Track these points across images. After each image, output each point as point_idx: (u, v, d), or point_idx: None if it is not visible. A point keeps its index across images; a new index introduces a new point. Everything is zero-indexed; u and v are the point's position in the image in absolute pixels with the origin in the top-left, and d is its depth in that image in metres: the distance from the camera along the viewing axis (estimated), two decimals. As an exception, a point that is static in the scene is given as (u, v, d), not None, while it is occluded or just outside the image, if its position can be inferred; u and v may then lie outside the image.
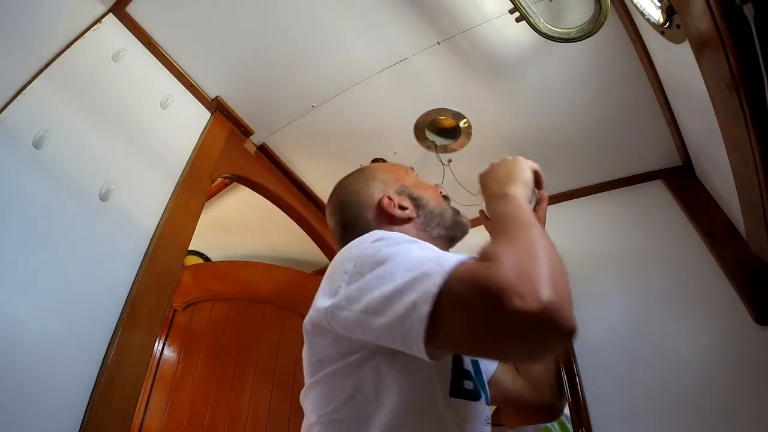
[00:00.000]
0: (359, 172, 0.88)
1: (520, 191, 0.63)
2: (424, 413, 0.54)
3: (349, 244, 0.63)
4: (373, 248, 0.57)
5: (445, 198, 0.86)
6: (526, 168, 0.69)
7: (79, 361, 0.84)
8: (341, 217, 0.83)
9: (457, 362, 0.62)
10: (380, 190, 0.81)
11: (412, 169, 0.89)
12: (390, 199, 0.78)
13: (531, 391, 0.88)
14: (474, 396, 0.62)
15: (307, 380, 0.62)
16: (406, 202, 0.79)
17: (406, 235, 0.61)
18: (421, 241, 0.59)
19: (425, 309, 0.43)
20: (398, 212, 0.77)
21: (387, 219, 0.77)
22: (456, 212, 0.83)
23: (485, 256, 0.45)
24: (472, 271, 0.44)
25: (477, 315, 0.42)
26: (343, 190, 0.86)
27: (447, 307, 0.43)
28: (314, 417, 0.57)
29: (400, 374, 0.54)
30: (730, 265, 1.21)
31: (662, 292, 1.31)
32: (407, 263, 0.50)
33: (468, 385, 0.61)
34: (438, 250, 0.54)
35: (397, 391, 0.54)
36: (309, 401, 0.60)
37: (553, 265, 0.44)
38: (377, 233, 0.61)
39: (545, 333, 0.40)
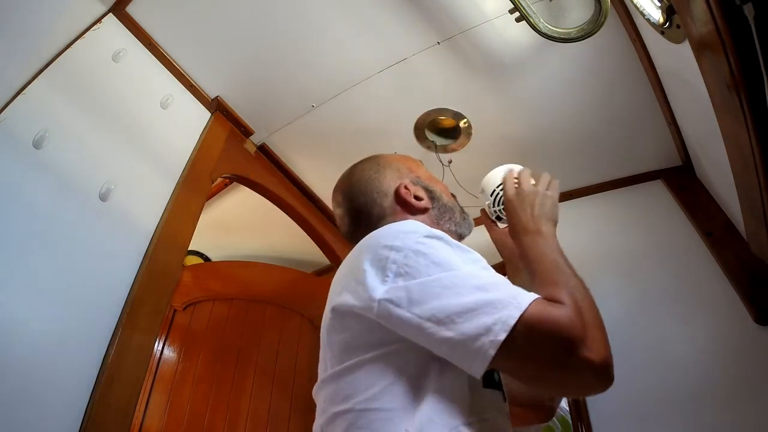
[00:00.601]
0: (372, 159, 0.86)
1: (553, 231, 0.67)
2: (462, 403, 0.54)
3: (385, 228, 0.62)
4: (427, 246, 0.57)
5: (453, 196, 0.86)
6: (557, 205, 0.73)
7: (79, 361, 0.84)
8: (353, 204, 0.80)
9: None
10: (396, 178, 0.80)
11: (422, 163, 0.88)
12: (407, 188, 0.77)
13: (526, 390, 0.88)
14: (501, 387, 0.63)
15: (332, 365, 0.59)
16: (422, 193, 0.78)
17: (452, 239, 0.61)
18: (471, 249, 0.60)
19: (501, 336, 0.47)
20: (415, 202, 0.76)
21: (404, 207, 0.76)
22: (462, 210, 0.84)
23: (558, 301, 0.51)
24: (548, 314, 0.49)
25: (546, 355, 0.48)
26: (356, 175, 0.83)
27: (520, 340, 0.47)
28: (346, 405, 0.54)
29: (442, 365, 0.54)
30: (730, 265, 1.21)
31: (662, 292, 1.31)
32: (474, 280, 0.53)
33: (496, 376, 0.63)
34: (498, 274, 0.56)
35: (439, 382, 0.53)
36: (338, 387, 0.57)
37: (602, 319, 0.52)
38: (424, 228, 0.61)
39: (597, 381, 0.48)
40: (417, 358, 0.54)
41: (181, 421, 1.68)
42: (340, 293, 0.60)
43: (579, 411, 1.22)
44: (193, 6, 1.22)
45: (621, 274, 1.40)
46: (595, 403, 1.22)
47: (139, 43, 1.25)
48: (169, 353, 1.86)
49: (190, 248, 1.25)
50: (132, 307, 0.95)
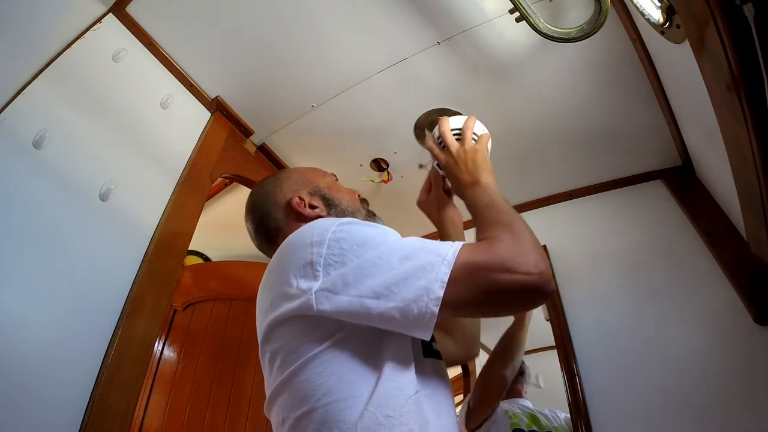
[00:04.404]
0: (275, 175, 0.91)
1: (490, 178, 0.73)
2: (411, 374, 0.57)
3: (297, 234, 0.65)
4: (345, 232, 0.60)
5: (363, 201, 0.89)
6: (488, 155, 0.78)
7: (79, 361, 0.84)
8: (253, 217, 0.86)
9: None
10: (292, 190, 0.83)
11: (334, 175, 0.92)
12: (301, 198, 0.81)
13: (459, 347, 0.90)
14: (439, 355, 0.67)
15: (279, 374, 0.59)
16: (317, 202, 0.82)
17: (363, 220, 0.65)
18: (378, 224, 0.64)
19: (439, 293, 0.51)
20: (308, 211, 0.80)
21: (296, 217, 0.80)
22: (370, 214, 0.87)
23: (486, 239, 0.57)
24: (474, 256, 0.54)
25: (481, 291, 0.53)
26: (256, 191, 0.88)
27: (456, 289, 0.52)
28: (306, 406, 0.55)
29: (386, 342, 0.57)
30: (730, 265, 1.21)
31: (662, 292, 1.31)
32: (398, 252, 0.56)
33: (435, 345, 0.67)
34: (416, 239, 0.60)
35: (387, 359, 0.56)
36: (292, 392, 0.57)
37: (536, 241, 0.57)
38: (334, 219, 0.64)
39: (533, 295, 0.53)
40: (362, 342, 0.57)
41: (181, 421, 1.68)
42: (270, 308, 0.62)
43: (579, 410, 1.22)
44: (193, 6, 1.22)
45: (621, 274, 1.40)
46: (594, 402, 1.22)
47: (139, 43, 1.25)
48: (169, 353, 1.86)
49: (190, 248, 1.25)
50: (132, 306, 0.95)
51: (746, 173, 0.78)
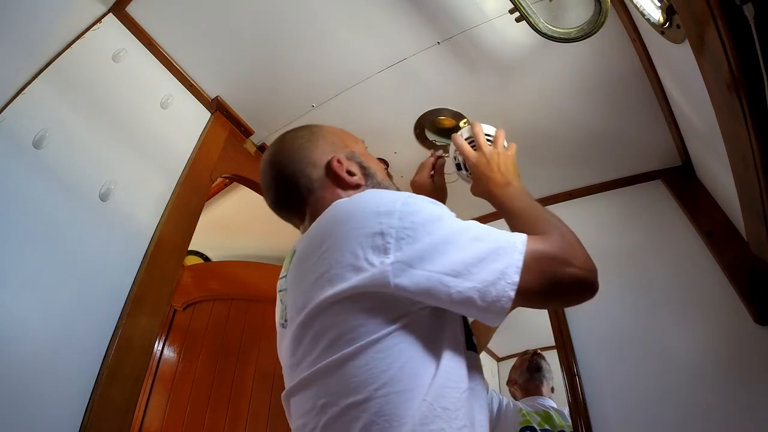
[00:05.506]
0: (307, 128, 0.82)
1: (519, 182, 0.75)
2: (462, 369, 0.56)
3: (360, 198, 0.61)
4: (415, 205, 0.58)
5: (389, 176, 0.86)
6: (515, 162, 0.81)
7: (80, 361, 0.84)
8: (280, 172, 0.76)
9: (466, 318, 0.66)
10: (329, 151, 0.76)
11: (363, 141, 0.87)
12: (339, 162, 0.75)
13: None
14: (477, 349, 0.66)
15: (323, 358, 0.54)
16: (355, 169, 0.76)
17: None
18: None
19: (515, 278, 0.52)
20: (347, 177, 0.74)
21: (334, 181, 0.74)
22: (397, 190, 0.84)
23: (540, 234, 0.59)
24: (541, 248, 0.56)
25: (548, 281, 0.55)
26: (286, 143, 0.79)
27: (527, 276, 0.53)
28: (361, 394, 0.50)
29: (442, 332, 0.56)
30: (730, 265, 1.21)
31: (662, 292, 1.31)
32: (468, 232, 0.57)
33: (474, 339, 0.65)
34: (477, 222, 0.60)
35: (444, 349, 0.55)
36: (343, 377, 0.52)
37: (580, 241, 0.61)
38: (398, 191, 0.62)
39: (588, 290, 0.57)
40: (425, 329, 0.55)
41: (181, 421, 1.68)
42: (324, 279, 0.56)
43: (579, 410, 1.22)
44: (193, 6, 1.22)
45: (621, 275, 1.40)
46: (594, 402, 1.22)
47: (139, 43, 1.25)
48: (169, 353, 1.86)
49: (190, 248, 1.25)
50: (132, 307, 0.95)
51: (746, 173, 0.78)
